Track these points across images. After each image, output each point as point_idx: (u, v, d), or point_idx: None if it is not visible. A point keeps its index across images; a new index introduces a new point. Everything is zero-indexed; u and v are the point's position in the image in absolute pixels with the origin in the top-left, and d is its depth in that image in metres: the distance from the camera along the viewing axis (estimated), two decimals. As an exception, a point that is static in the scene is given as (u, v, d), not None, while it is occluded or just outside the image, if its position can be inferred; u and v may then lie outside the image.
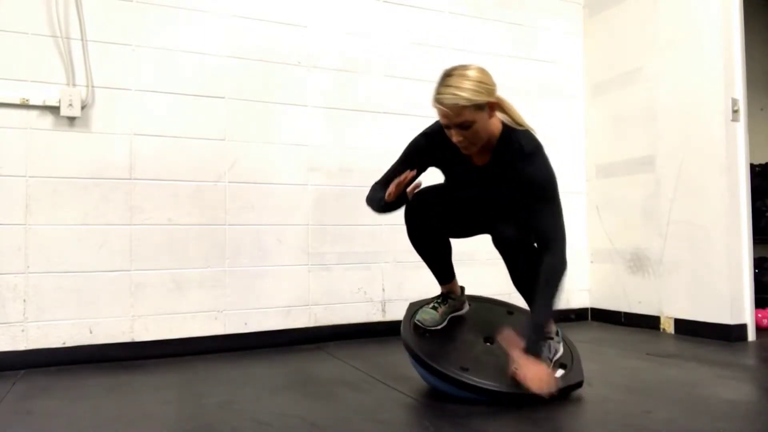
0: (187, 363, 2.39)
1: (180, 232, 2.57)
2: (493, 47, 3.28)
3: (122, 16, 2.51)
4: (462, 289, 2.09)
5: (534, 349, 1.70)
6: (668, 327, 2.97)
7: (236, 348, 2.61)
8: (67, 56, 2.41)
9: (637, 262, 3.16)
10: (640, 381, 2.04)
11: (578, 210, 3.49)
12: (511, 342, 1.71)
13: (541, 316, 1.75)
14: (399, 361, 2.17)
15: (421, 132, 1.90)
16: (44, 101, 2.36)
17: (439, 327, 1.96)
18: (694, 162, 2.86)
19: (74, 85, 2.41)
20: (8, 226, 2.31)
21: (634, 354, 2.48)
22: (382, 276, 2.94)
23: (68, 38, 2.42)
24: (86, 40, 2.43)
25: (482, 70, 1.70)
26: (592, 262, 3.47)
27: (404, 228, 1.95)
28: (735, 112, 2.76)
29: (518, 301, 1.98)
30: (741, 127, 2.78)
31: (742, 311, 2.73)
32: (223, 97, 2.68)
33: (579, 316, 3.44)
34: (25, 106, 2.34)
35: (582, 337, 2.88)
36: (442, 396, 1.79)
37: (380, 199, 1.83)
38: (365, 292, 2.91)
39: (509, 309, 2.17)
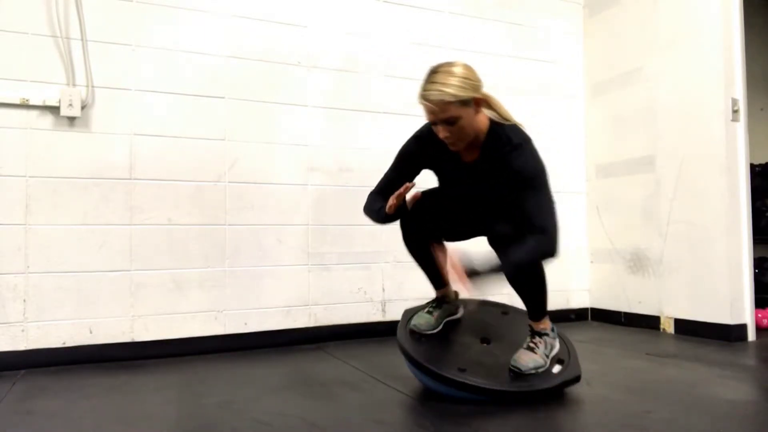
0: (187, 363, 2.39)
1: (180, 232, 2.57)
2: (493, 47, 3.28)
3: (122, 16, 2.51)
4: (456, 293, 2.10)
5: (474, 267, 1.69)
6: (668, 327, 2.97)
7: (236, 348, 2.61)
8: (67, 56, 2.41)
9: (637, 262, 3.16)
10: (640, 381, 2.04)
11: (578, 210, 3.49)
12: (454, 253, 1.72)
13: (505, 267, 1.71)
14: (399, 361, 2.17)
15: (411, 135, 1.92)
16: (44, 101, 2.36)
17: (434, 331, 1.97)
18: (694, 162, 2.86)
19: (74, 85, 2.41)
20: (8, 226, 2.31)
21: (634, 354, 2.48)
22: (382, 276, 2.94)
23: (68, 38, 2.42)
24: (86, 40, 2.43)
25: (467, 67, 1.72)
26: (592, 262, 3.47)
27: (404, 228, 1.95)
28: (735, 112, 2.76)
29: (517, 302, 1.98)
30: (741, 127, 2.78)
31: (742, 311, 2.73)
32: (223, 97, 2.68)
33: (579, 316, 3.44)
34: (25, 106, 2.34)
35: (582, 337, 2.88)
36: (442, 396, 1.79)
37: (380, 210, 1.85)
38: (365, 292, 2.91)
39: (504, 309, 2.18)
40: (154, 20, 2.56)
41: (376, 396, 1.87)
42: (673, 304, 2.95)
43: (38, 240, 2.34)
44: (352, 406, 1.76)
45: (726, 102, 2.74)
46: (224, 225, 2.65)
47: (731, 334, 2.68)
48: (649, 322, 3.06)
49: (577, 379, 1.83)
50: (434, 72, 1.70)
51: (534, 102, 3.37)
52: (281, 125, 2.79)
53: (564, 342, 1.96)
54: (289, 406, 1.76)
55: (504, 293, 2.00)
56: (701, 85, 2.83)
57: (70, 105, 2.38)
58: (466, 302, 2.18)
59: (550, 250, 1.73)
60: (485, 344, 1.97)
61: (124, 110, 2.50)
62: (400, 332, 1.96)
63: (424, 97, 1.68)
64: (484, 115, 1.79)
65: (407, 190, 1.74)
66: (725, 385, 1.96)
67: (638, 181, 3.17)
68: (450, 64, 1.71)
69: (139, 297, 2.49)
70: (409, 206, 1.78)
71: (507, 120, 1.81)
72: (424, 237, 1.94)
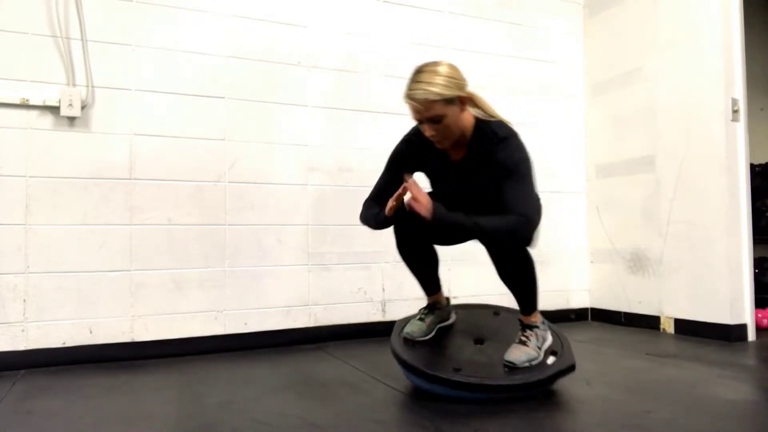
0: (187, 363, 2.39)
1: (180, 232, 2.57)
2: (493, 47, 3.28)
3: (122, 16, 2.51)
4: (447, 299, 2.11)
5: (439, 210, 1.70)
6: (668, 327, 2.97)
7: (236, 348, 2.61)
8: (67, 56, 2.41)
9: (637, 262, 3.16)
10: (640, 381, 2.04)
11: (578, 210, 3.49)
12: (417, 189, 1.72)
13: (463, 221, 1.70)
14: (399, 361, 2.17)
15: (401, 139, 1.95)
16: (44, 101, 2.36)
17: (427, 337, 1.99)
18: (694, 162, 2.86)
19: (74, 85, 2.41)
20: (8, 226, 2.31)
21: (634, 354, 2.48)
22: (382, 276, 2.94)
23: (68, 38, 2.42)
24: (86, 40, 2.43)
25: (452, 66, 1.75)
26: (592, 262, 3.47)
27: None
28: (735, 112, 2.76)
29: (509, 303, 1.99)
30: (741, 127, 2.78)
31: (742, 311, 2.73)
32: (223, 97, 2.68)
33: (579, 316, 3.44)
34: (25, 106, 2.34)
35: (582, 337, 2.88)
36: (442, 396, 1.79)
37: (378, 214, 1.87)
38: (365, 292, 2.91)
39: (495, 310, 2.20)
40: (154, 20, 2.56)
41: (376, 396, 1.87)
42: (673, 304, 2.95)
43: (38, 240, 2.34)
44: (352, 406, 1.76)
45: (726, 102, 2.74)
46: (224, 225, 2.65)
47: (731, 334, 2.68)
48: (649, 322, 3.06)
49: (571, 368, 1.84)
50: (419, 71, 1.73)
51: (534, 102, 3.37)
52: (281, 125, 2.79)
53: (556, 334, 1.97)
54: (289, 406, 1.76)
55: (496, 294, 2.00)
56: (701, 85, 2.83)
57: (70, 105, 2.38)
58: (458, 308, 2.20)
59: (525, 234, 1.72)
60: (479, 344, 1.97)
61: (124, 110, 2.50)
62: (394, 340, 1.98)
63: (410, 97, 1.72)
64: (470, 114, 1.82)
65: (405, 191, 1.75)
66: (725, 385, 1.96)
67: (638, 181, 3.17)
68: (435, 64, 1.75)
69: (139, 297, 2.49)
70: (407, 207, 1.78)
71: (492, 117, 1.83)
72: (418, 241, 1.94)
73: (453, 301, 3.00)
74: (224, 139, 2.67)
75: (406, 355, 1.88)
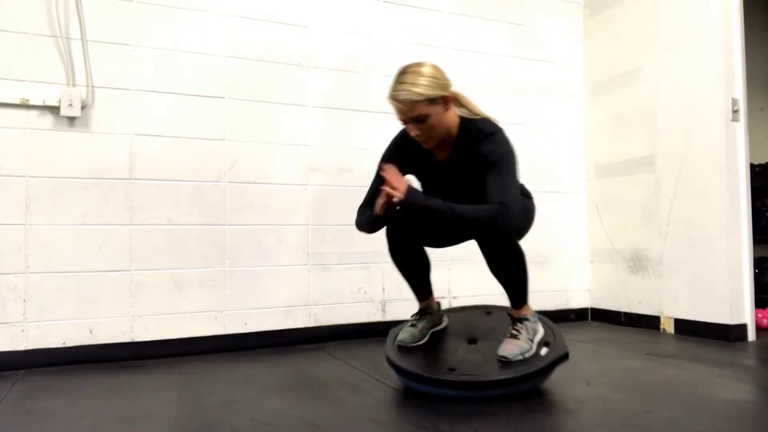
0: (187, 363, 2.39)
1: (180, 232, 2.57)
2: (493, 47, 3.28)
3: (122, 16, 2.51)
4: (438, 304, 2.12)
5: (413, 194, 1.73)
6: (668, 327, 2.97)
7: (236, 348, 2.61)
8: (67, 56, 2.41)
9: (637, 262, 3.16)
10: (640, 381, 2.04)
11: (578, 210, 3.49)
12: (392, 175, 1.75)
13: (440, 207, 1.71)
14: (399, 361, 2.17)
15: (390, 142, 1.98)
16: (44, 101, 2.36)
17: (420, 342, 2.00)
18: (694, 162, 2.86)
19: (74, 85, 2.41)
20: (8, 226, 2.31)
21: (634, 354, 2.48)
22: (382, 276, 2.94)
23: (68, 38, 2.42)
24: (86, 40, 2.43)
25: (435, 67, 1.78)
26: (592, 262, 3.47)
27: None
28: (735, 112, 2.76)
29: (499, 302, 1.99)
30: (741, 127, 2.78)
31: (742, 311, 2.73)
32: (223, 97, 2.68)
33: (579, 316, 3.44)
34: (25, 106, 2.34)
35: (582, 337, 2.88)
36: (442, 397, 1.79)
37: (369, 216, 1.89)
38: (365, 292, 2.91)
39: (487, 310, 2.22)
40: (154, 20, 2.56)
41: (376, 396, 1.87)
42: (673, 304, 2.95)
43: (38, 240, 2.34)
44: (352, 406, 1.76)
45: (726, 102, 2.74)
46: (224, 225, 2.65)
47: (731, 334, 2.68)
48: (649, 322, 3.06)
49: (565, 356, 1.84)
50: (403, 73, 1.77)
51: (534, 102, 3.37)
52: (281, 125, 2.79)
53: (547, 325, 1.98)
54: (289, 406, 1.76)
55: (495, 294, 2.00)
56: (701, 85, 2.83)
57: (70, 105, 2.38)
58: (449, 311, 2.21)
59: (503, 222, 1.71)
60: (472, 344, 1.98)
61: (124, 110, 2.50)
62: (388, 349, 1.99)
63: (393, 97, 1.75)
64: (454, 113, 1.84)
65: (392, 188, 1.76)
66: (725, 385, 1.96)
67: (638, 181, 3.17)
68: (418, 65, 1.78)
69: (139, 297, 2.49)
70: (385, 196, 1.77)
71: (477, 115, 1.86)
72: (411, 245, 1.96)
73: (453, 302, 3.03)
74: (224, 139, 2.67)
75: (400, 361, 1.90)
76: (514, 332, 1.86)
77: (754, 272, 2.84)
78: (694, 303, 2.84)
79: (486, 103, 3.19)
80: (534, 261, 3.31)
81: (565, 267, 3.42)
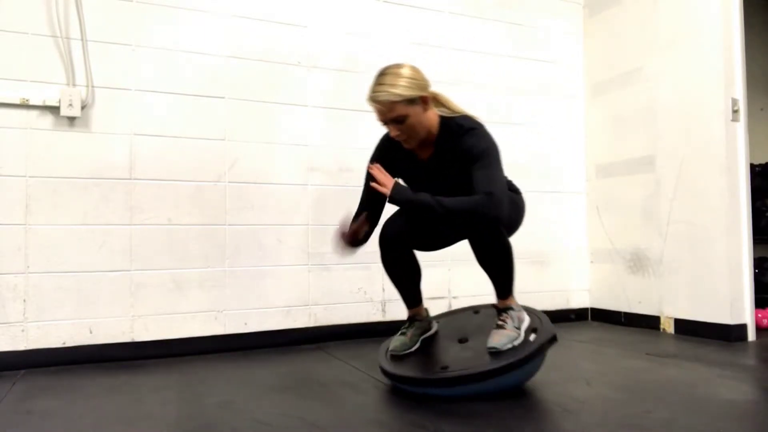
0: (187, 363, 2.39)
1: (180, 232, 2.57)
2: (493, 47, 3.28)
3: (122, 16, 2.51)
4: (426, 310, 2.14)
5: (399, 189, 1.78)
6: (668, 327, 2.97)
7: (236, 348, 2.61)
8: (67, 56, 2.41)
9: (637, 262, 3.16)
10: (640, 381, 2.04)
11: (578, 210, 3.49)
12: (378, 171, 1.82)
13: (428, 201, 1.74)
14: (399, 361, 2.17)
15: (374, 147, 2.03)
16: (44, 101, 2.36)
17: (412, 349, 2.01)
18: (694, 162, 2.86)
19: (74, 85, 2.41)
20: (8, 226, 2.31)
21: (634, 354, 2.48)
22: (382, 276, 2.92)
23: (68, 38, 2.42)
24: (86, 40, 2.43)
25: (414, 68, 1.82)
26: (592, 262, 3.47)
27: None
28: (735, 112, 2.76)
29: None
30: (741, 127, 2.78)
31: (742, 311, 2.73)
32: (223, 97, 2.68)
33: (579, 316, 3.44)
34: (25, 106, 2.34)
35: (582, 337, 2.88)
36: (441, 397, 1.79)
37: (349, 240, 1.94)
38: (365, 292, 2.91)
39: (475, 309, 2.24)
40: (154, 20, 2.56)
41: (376, 396, 1.87)
42: (673, 304, 2.95)
43: (38, 240, 2.34)
44: (352, 406, 1.76)
45: (726, 102, 2.74)
46: (224, 225, 2.65)
47: (731, 334, 2.68)
48: (649, 322, 3.06)
49: (553, 339, 1.85)
50: (382, 74, 1.81)
51: (534, 102, 3.37)
52: (281, 125, 2.79)
53: (533, 313, 1.99)
54: (289, 406, 1.76)
55: (486, 294, 2.00)
56: (701, 85, 2.83)
57: (70, 105, 2.38)
58: (438, 317, 2.22)
59: (491, 211, 1.71)
60: (463, 343, 1.99)
61: (124, 110, 2.50)
62: (381, 359, 2.01)
63: (372, 99, 1.79)
64: (434, 113, 1.87)
65: (362, 225, 1.90)
66: (725, 385, 1.96)
67: (638, 181, 3.17)
68: (397, 66, 1.82)
69: (139, 297, 2.49)
70: (358, 235, 1.90)
71: (457, 113, 1.88)
72: (403, 251, 1.98)
73: (453, 302, 3.03)
74: (224, 139, 2.67)
75: (393, 368, 1.91)
76: (501, 322, 1.87)
77: (754, 272, 2.84)
78: (694, 303, 2.84)
79: (486, 103, 3.23)
80: (534, 261, 3.34)
81: (565, 267, 3.42)
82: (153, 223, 2.52)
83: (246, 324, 2.67)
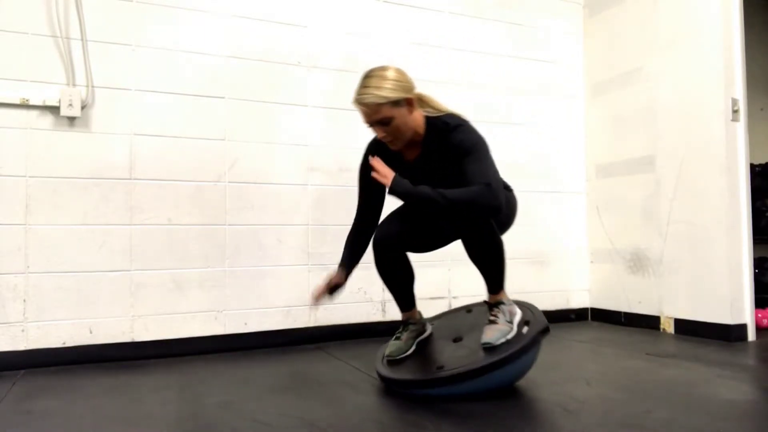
0: (187, 363, 2.39)
1: (180, 232, 2.57)
2: (493, 47, 3.28)
3: (122, 16, 2.51)
4: (420, 313, 2.14)
5: (399, 181, 1.77)
6: (668, 327, 2.97)
7: (236, 348, 2.61)
8: (67, 56, 2.41)
9: (637, 262, 3.16)
10: (640, 381, 2.04)
11: (578, 210, 3.49)
12: (378, 163, 1.82)
13: (429, 193, 1.73)
14: (399, 361, 2.17)
15: (363, 153, 2.04)
16: (44, 101, 2.36)
17: (408, 353, 2.02)
18: (694, 162, 2.86)
19: (74, 85, 2.41)
20: (8, 226, 2.31)
21: (634, 354, 2.48)
22: (382, 276, 2.94)
23: (68, 38, 2.42)
24: (86, 40, 2.43)
25: (398, 71, 1.83)
26: (592, 262, 3.47)
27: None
28: (735, 112, 2.76)
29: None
30: (741, 127, 2.78)
31: (742, 311, 2.73)
32: (223, 97, 2.68)
33: (579, 316, 3.44)
34: (25, 106, 2.34)
35: (582, 337, 2.88)
36: (441, 397, 1.79)
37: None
38: (365, 292, 2.91)
39: (467, 308, 2.24)
40: (154, 20, 2.56)
41: (376, 396, 1.87)
42: (673, 304, 2.95)
43: (38, 240, 2.34)
44: (351, 406, 1.76)
45: (726, 102, 2.74)
46: (224, 225, 2.65)
47: (731, 334, 2.68)
48: (649, 322, 3.06)
49: (545, 330, 1.85)
50: (367, 77, 1.83)
51: (534, 102, 3.37)
52: (281, 125, 2.79)
53: (525, 306, 1.99)
54: (288, 406, 1.76)
55: (475, 294, 2.01)
56: (701, 85, 2.83)
57: (70, 105, 2.38)
58: (432, 319, 2.23)
59: (490, 201, 1.71)
60: (458, 342, 1.99)
61: (124, 110, 2.50)
62: (378, 366, 2.01)
63: (358, 101, 1.81)
64: (420, 114, 1.88)
65: (334, 285, 2.00)
66: (725, 385, 1.96)
67: (638, 181, 3.17)
68: (382, 68, 1.83)
69: (139, 297, 2.49)
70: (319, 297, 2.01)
71: (442, 112, 1.89)
72: (397, 255, 2.00)
73: (453, 302, 3.03)
74: (224, 139, 2.67)
75: (390, 373, 1.92)
76: (492, 318, 1.87)
77: (754, 272, 2.84)
78: (694, 303, 2.84)
79: (486, 103, 3.23)
80: (534, 261, 3.34)
81: (565, 267, 3.42)
82: (153, 223, 2.52)
83: (246, 324, 2.67)
